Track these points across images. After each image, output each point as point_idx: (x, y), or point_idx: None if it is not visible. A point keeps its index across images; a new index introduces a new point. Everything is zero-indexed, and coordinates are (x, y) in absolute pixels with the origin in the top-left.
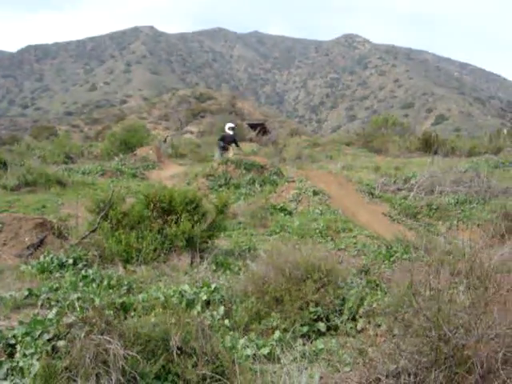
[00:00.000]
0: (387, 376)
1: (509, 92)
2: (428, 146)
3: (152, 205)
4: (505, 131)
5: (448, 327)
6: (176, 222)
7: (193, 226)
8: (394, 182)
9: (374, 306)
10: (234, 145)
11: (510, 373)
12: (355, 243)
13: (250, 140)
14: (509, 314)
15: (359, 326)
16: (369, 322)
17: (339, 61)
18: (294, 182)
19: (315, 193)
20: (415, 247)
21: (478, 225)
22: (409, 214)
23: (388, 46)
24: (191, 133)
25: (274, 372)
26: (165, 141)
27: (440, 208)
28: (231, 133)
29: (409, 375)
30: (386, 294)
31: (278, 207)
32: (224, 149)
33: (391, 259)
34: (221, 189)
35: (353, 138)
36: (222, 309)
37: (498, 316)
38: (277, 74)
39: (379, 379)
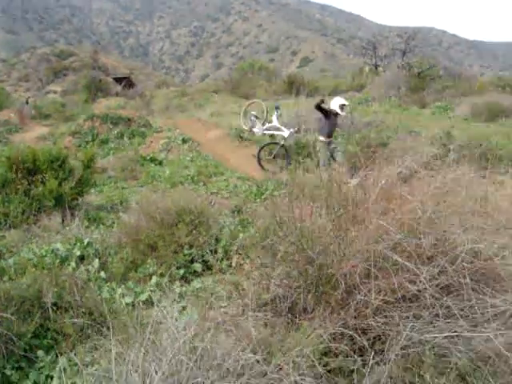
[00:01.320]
0: (262, 304)
1: (369, 31)
2: (293, 87)
3: (15, 166)
4: (366, 69)
5: (312, 250)
6: (42, 182)
7: (60, 184)
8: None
9: (247, 241)
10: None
11: (370, 286)
12: (227, 186)
13: (116, 94)
14: (366, 231)
15: (234, 263)
16: (242, 258)
17: (202, 8)
18: (162, 132)
19: (184, 141)
20: (285, 183)
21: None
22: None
23: None
24: (54, 92)
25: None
26: (27, 102)
27: (307, 145)
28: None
29: (281, 300)
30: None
31: (148, 158)
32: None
33: (262, 197)
34: (88, 145)
35: (220, 85)
36: (96, 262)
37: (356, 234)
38: (139, 26)
39: (253, 308)
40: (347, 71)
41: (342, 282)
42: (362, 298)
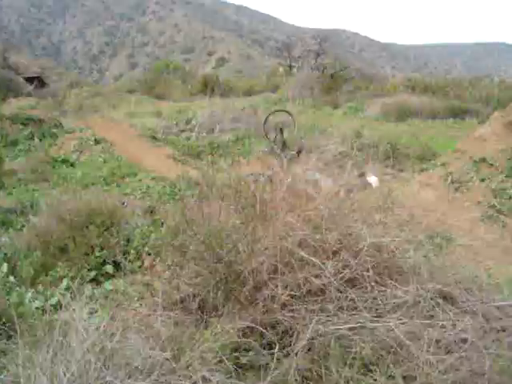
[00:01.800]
0: (172, 303)
1: (284, 32)
2: (208, 88)
3: None
4: (281, 70)
5: (221, 248)
6: None
7: None
8: (176, 124)
9: (159, 242)
10: None
11: (276, 281)
12: (140, 186)
13: (28, 94)
14: (273, 228)
15: (146, 263)
16: (154, 259)
17: (116, 7)
18: (74, 132)
19: (97, 141)
20: (197, 183)
21: (258, 158)
22: (192, 153)
23: None
24: None
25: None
26: None
27: (221, 145)
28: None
29: (191, 298)
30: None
31: (60, 159)
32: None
33: (175, 197)
34: None
35: (135, 85)
36: (5, 266)
37: (264, 231)
38: (52, 24)
39: (164, 307)
40: (261, 72)
41: (250, 279)
42: (270, 293)
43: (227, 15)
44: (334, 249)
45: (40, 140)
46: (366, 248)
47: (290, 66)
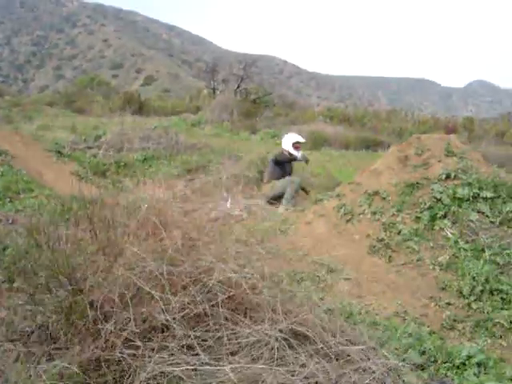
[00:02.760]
0: (18, 333)
1: (214, 55)
2: (130, 105)
3: None
4: (205, 91)
5: (69, 275)
6: None
7: None
8: (85, 140)
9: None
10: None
11: (123, 315)
12: (33, 204)
13: None
14: (124, 257)
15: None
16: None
17: (46, 17)
18: None
19: None
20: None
21: (164, 179)
22: (98, 171)
23: (97, 4)
24: None
25: None
26: None
27: (128, 164)
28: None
29: (37, 329)
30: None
31: None
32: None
33: (67, 216)
34: None
35: (56, 97)
36: None
37: (114, 260)
38: None
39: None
40: (188, 93)
41: (94, 311)
42: (113, 328)
43: (158, 34)
44: (183, 283)
45: None
46: (216, 283)
47: (214, 89)
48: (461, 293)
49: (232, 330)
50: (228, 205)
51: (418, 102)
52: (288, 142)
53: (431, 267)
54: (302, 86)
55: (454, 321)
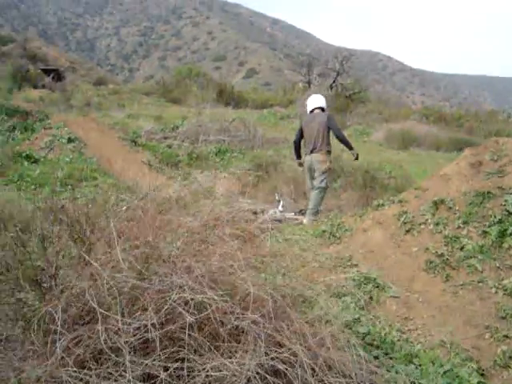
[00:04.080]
0: None
1: (317, 49)
2: (222, 97)
3: None
4: (300, 85)
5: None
6: None
7: None
8: (162, 129)
9: None
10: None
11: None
12: (90, 192)
13: (43, 86)
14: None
15: None
16: None
17: (153, 9)
18: (51, 128)
19: (70, 140)
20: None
21: (236, 174)
22: (170, 162)
23: None
24: None
25: None
26: None
27: (200, 157)
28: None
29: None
30: None
31: (24, 155)
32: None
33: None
34: None
35: (154, 87)
36: None
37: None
38: (88, 20)
39: None
40: (279, 86)
41: (52, 323)
42: (64, 345)
43: (263, 27)
44: (146, 301)
45: (21, 133)
46: (181, 303)
47: (309, 83)
48: None
49: (198, 360)
50: (280, 207)
51: None
52: (310, 103)
53: (494, 291)
54: (405, 84)
55: (510, 358)
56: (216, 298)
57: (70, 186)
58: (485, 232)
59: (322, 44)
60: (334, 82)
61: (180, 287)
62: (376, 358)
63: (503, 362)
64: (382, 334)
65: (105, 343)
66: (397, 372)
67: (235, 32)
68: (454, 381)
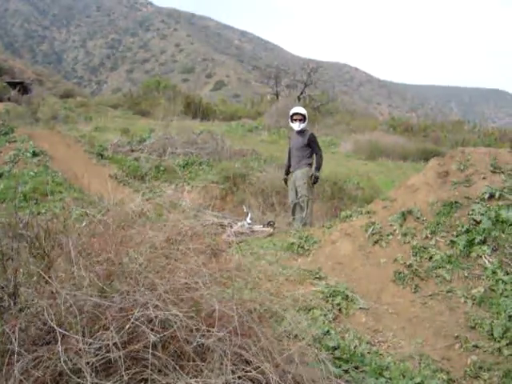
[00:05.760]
0: None
1: (285, 61)
2: (190, 109)
3: None
4: (268, 97)
5: None
6: None
7: None
8: (129, 142)
9: None
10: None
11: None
12: (55, 207)
13: (9, 99)
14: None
15: None
16: None
17: (121, 21)
18: (16, 142)
19: (35, 154)
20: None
21: (204, 186)
22: (137, 175)
23: (170, 9)
24: None
25: None
26: None
27: (168, 169)
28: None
29: None
30: None
31: None
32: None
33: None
34: None
35: (122, 99)
36: None
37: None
38: (55, 32)
39: None
40: (247, 98)
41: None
42: (23, 367)
43: (230, 39)
44: (107, 320)
45: None
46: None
47: (277, 95)
48: (492, 334)
49: (162, 380)
50: (248, 220)
51: (492, 113)
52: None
53: (462, 300)
54: (372, 94)
55: (480, 368)
56: (180, 315)
57: (34, 201)
58: (453, 242)
59: (289, 56)
60: (301, 93)
61: (143, 305)
62: (346, 371)
63: (473, 372)
64: (352, 348)
65: (65, 364)
66: None
67: (203, 44)
68: None
